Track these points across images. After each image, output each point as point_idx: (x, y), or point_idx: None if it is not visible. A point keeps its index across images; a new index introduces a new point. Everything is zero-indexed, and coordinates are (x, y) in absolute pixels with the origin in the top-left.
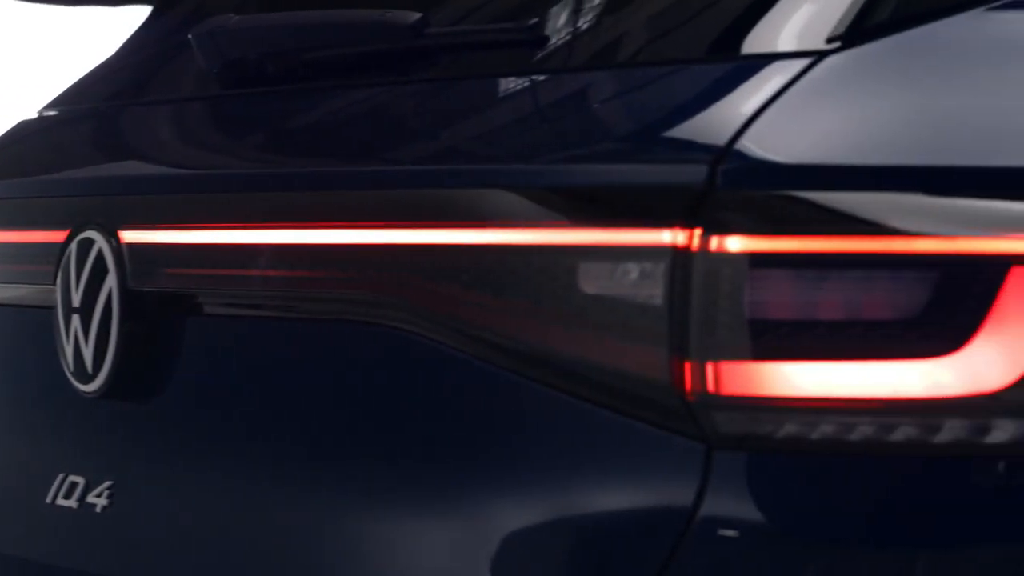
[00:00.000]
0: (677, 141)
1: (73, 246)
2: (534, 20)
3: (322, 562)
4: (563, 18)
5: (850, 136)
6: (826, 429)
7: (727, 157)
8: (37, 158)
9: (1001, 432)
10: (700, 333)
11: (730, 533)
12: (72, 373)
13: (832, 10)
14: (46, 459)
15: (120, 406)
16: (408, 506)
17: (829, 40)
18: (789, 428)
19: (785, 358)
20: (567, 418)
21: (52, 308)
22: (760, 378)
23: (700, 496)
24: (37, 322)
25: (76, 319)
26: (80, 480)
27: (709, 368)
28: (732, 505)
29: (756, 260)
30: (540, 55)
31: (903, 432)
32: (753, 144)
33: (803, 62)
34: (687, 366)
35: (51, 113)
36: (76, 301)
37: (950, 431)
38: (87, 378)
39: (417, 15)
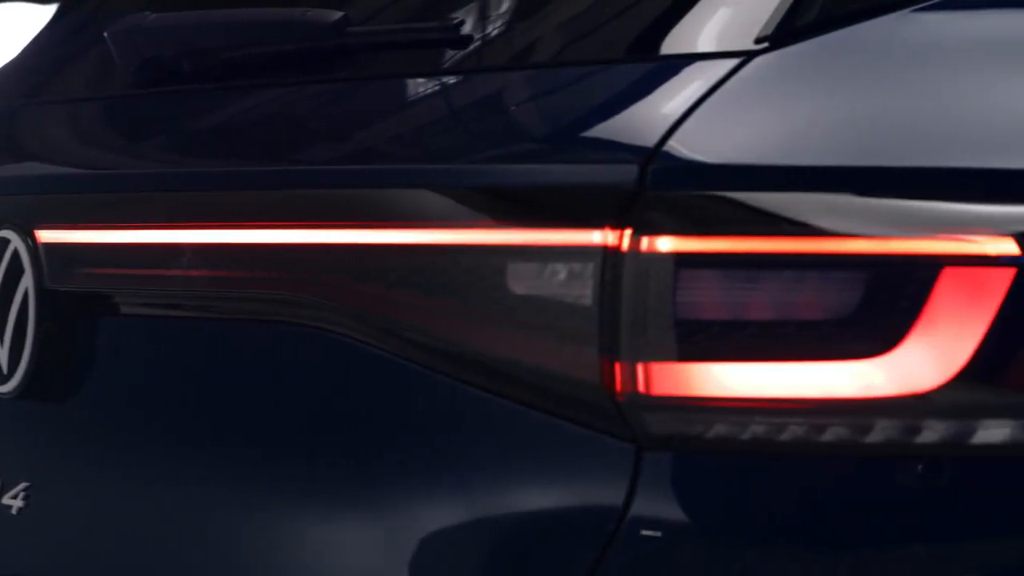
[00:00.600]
0: (607, 141)
1: None
2: (458, 19)
3: (246, 563)
4: (489, 17)
5: (780, 136)
6: (756, 429)
7: (657, 157)
8: None
9: (932, 433)
10: (630, 334)
11: (660, 533)
12: None
13: (760, 10)
14: None
15: (36, 407)
16: (332, 507)
17: (757, 40)
18: (719, 428)
19: (715, 359)
20: (496, 419)
21: None
22: (690, 379)
23: (630, 496)
24: None
25: None
26: None
27: (639, 369)
28: (662, 505)
29: (686, 260)
30: (466, 54)
31: (834, 433)
32: (683, 144)
33: (732, 62)
34: (617, 367)
35: None
36: None
37: (881, 432)
38: (2, 378)
39: (338, 14)
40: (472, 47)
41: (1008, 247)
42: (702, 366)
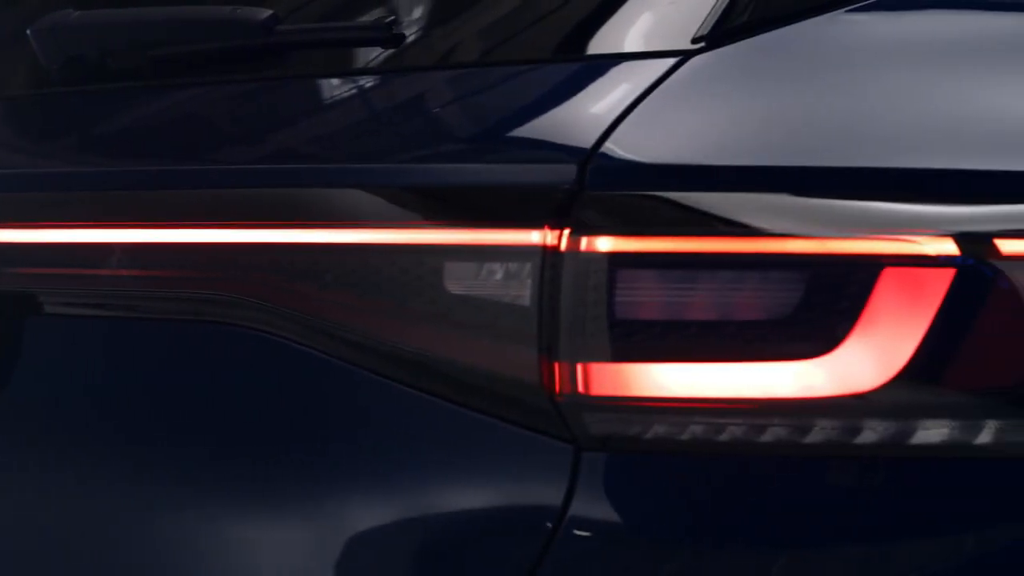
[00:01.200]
0: (546, 141)
1: None
2: (391, 18)
3: (174, 563)
4: (423, 16)
5: (718, 136)
6: (696, 430)
7: (596, 157)
8: None
9: (872, 433)
10: (569, 334)
11: (599, 533)
12: None
13: (697, 10)
14: None
15: None
16: (262, 509)
17: (694, 40)
18: (658, 429)
19: (654, 359)
20: (433, 419)
21: None
22: (629, 379)
23: (569, 497)
24: None
25: None
26: None
27: (578, 369)
28: (601, 506)
29: (625, 260)
30: (403, 54)
31: (773, 433)
32: (622, 144)
33: (669, 62)
34: (556, 367)
35: None
36: None
37: (821, 432)
38: None
39: (268, 12)
40: (408, 46)
41: (947, 247)
42: (641, 366)
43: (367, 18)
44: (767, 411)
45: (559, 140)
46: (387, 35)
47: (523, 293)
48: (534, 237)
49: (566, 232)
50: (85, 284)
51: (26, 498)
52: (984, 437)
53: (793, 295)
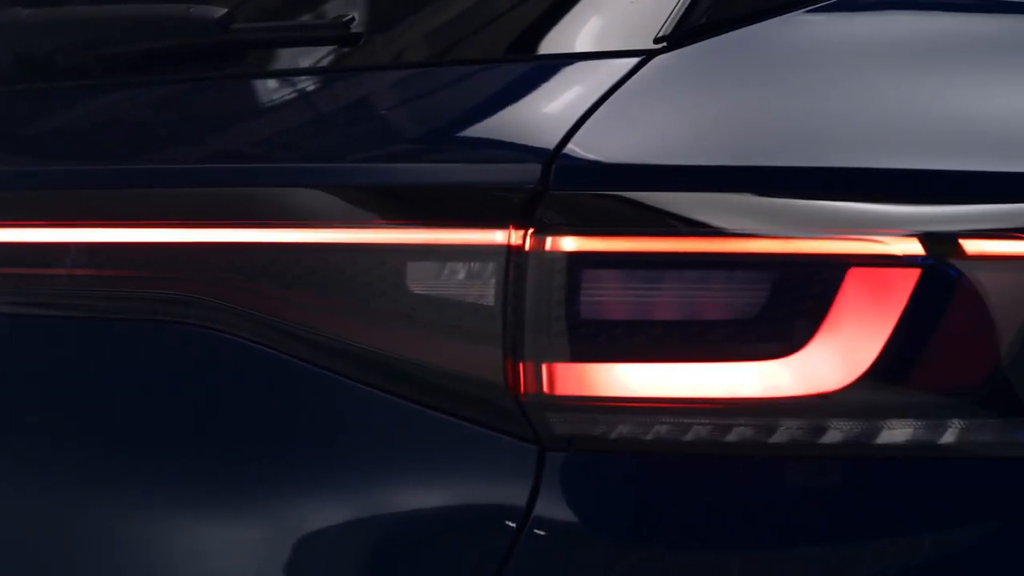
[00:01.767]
0: (510, 140)
1: None
2: (348, 17)
3: (128, 564)
4: (385, 15)
5: (684, 135)
6: (660, 430)
7: (560, 156)
8: None
9: (837, 433)
10: (534, 333)
11: (564, 533)
12: None
13: (659, 9)
14: None
15: None
16: (223, 509)
17: (657, 40)
18: (623, 429)
19: (620, 359)
20: (396, 420)
21: None
22: (594, 379)
23: (533, 497)
24: None
25: None
26: None
27: (543, 369)
28: (566, 506)
29: (590, 260)
30: (362, 52)
31: (738, 433)
32: (586, 143)
33: (632, 61)
34: (520, 367)
35: None
36: None
37: (786, 432)
38: None
39: (222, 10)
40: (371, 45)
41: (913, 247)
42: (606, 366)
43: (325, 17)
44: (732, 411)
45: (523, 139)
46: (345, 34)
47: (487, 293)
48: (498, 237)
49: (530, 232)
50: (41, 284)
51: None
52: (948, 437)
53: (758, 295)
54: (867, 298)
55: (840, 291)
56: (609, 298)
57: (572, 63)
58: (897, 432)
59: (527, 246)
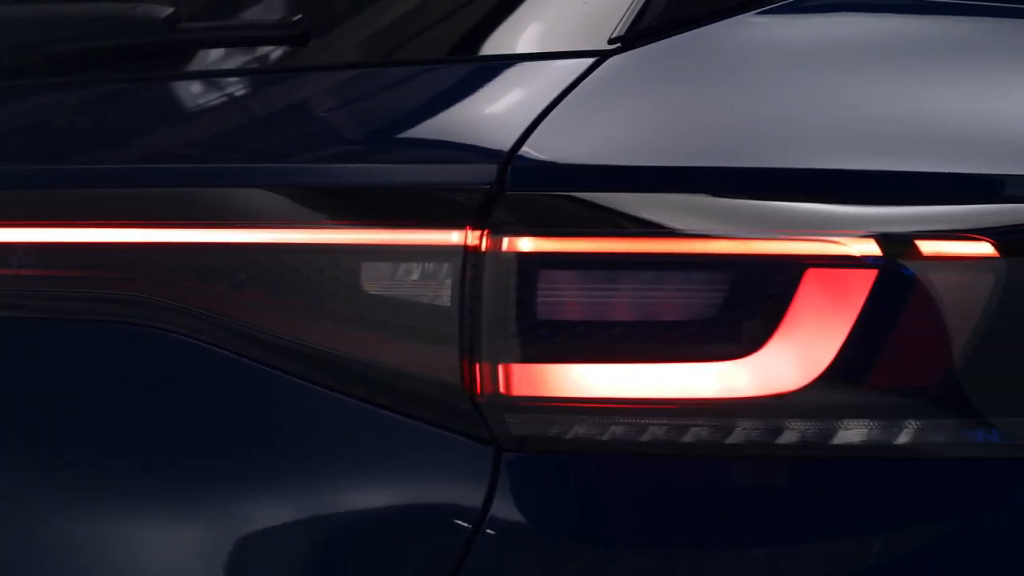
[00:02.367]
0: (466, 141)
1: None
2: (298, 16)
3: (68, 564)
4: (339, 14)
5: (640, 136)
6: (617, 430)
7: (516, 157)
8: None
9: (794, 433)
10: (490, 334)
11: (521, 534)
12: None
13: (612, 10)
14: None
15: None
16: (175, 510)
17: (611, 41)
18: (579, 429)
19: (577, 359)
20: (352, 421)
21: None
22: (551, 379)
23: (489, 498)
24: None
25: None
26: None
27: (499, 369)
28: (522, 506)
29: (547, 261)
30: (314, 51)
31: (695, 434)
32: (542, 144)
33: (586, 62)
34: (477, 367)
35: None
36: None
37: (743, 433)
38: None
39: (169, 10)
40: (324, 44)
41: (870, 248)
42: (562, 367)
43: (274, 16)
44: (689, 412)
45: (478, 140)
46: (295, 33)
47: (444, 293)
48: (454, 237)
49: (487, 232)
50: None
51: None
52: (904, 438)
53: (716, 296)
54: (824, 299)
55: (798, 292)
56: (566, 299)
57: (527, 63)
58: (853, 432)
59: (483, 246)
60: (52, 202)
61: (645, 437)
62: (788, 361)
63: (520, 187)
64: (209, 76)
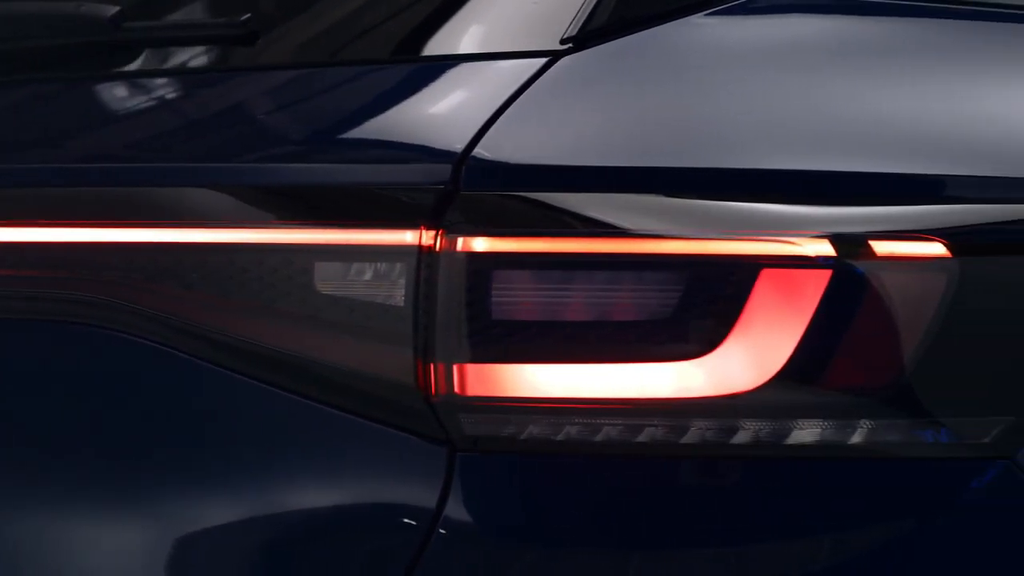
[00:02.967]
0: (419, 140)
1: None
2: (247, 16)
3: (12, 566)
4: (286, 14)
5: (595, 136)
6: (571, 430)
7: (470, 157)
8: None
9: (749, 433)
10: (445, 334)
11: (475, 533)
12: None
13: (564, 10)
14: None
15: None
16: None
17: (563, 41)
18: (534, 429)
19: (531, 359)
20: (305, 422)
21: None
22: (505, 379)
23: (444, 498)
24: None
25: None
26: None
27: (454, 369)
28: (477, 506)
29: (501, 261)
30: (263, 51)
31: (649, 433)
32: (497, 144)
33: (539, 62)
34: (431, 367)
35: None
36: None
37: (697, 432)
38: None
39: (114, 9)
40: (273, 43)
41: (825, 248)
42: (517, 367)
43: (222, 16)
44: (643, 412)
45: (432, 140)
46: (244, 32)
47: (398, 293)
48: (409, 237)
49: (441, 232)
50: None
51: None
52: (857, 437)
53: (671, 296)
54: (779, 299)
55: (752, 292)
56: (520, 299)
57: (480, 63)
58: (807, 432)
59: (438, 246)
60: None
61: (599, 437)
62: (743, 361)
63: (474, 187)
64: (160, 75)
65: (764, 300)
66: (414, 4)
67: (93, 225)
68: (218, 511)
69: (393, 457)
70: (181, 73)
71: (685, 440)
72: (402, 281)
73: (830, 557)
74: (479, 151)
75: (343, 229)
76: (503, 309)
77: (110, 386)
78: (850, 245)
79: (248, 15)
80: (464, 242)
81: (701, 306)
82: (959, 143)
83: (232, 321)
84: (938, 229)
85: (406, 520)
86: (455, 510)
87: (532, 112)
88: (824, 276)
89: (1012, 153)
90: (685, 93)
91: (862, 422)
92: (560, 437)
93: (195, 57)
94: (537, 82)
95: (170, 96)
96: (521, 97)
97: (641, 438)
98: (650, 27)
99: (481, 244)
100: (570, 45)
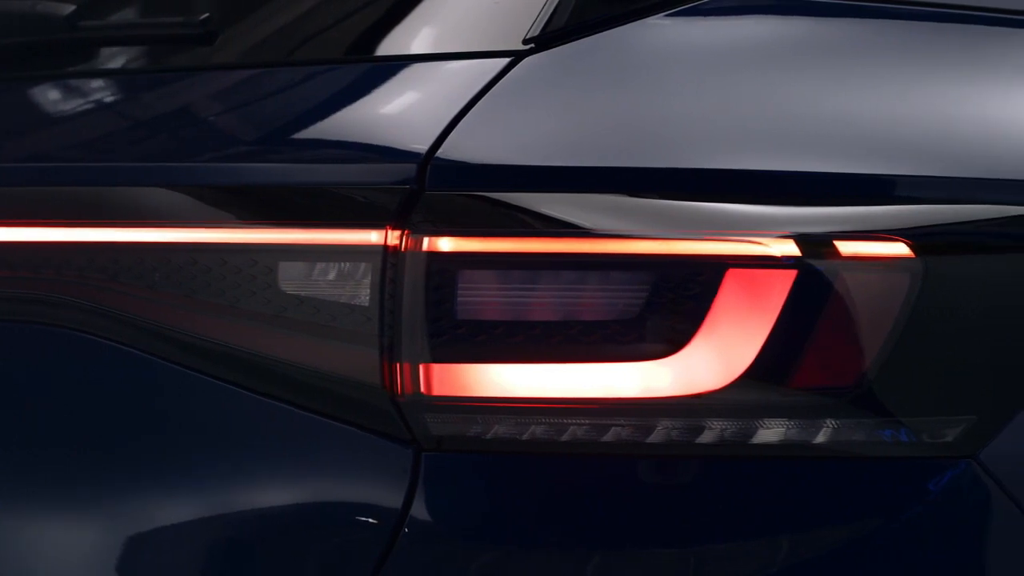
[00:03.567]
0: (385, 140)
1: None
2: (206, 15)
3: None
4: (246, 13)
5: (560, 136)
6: (537, 430)
7: (436, 157)
8: None
9: (715, 433)
10: (411, 334)
11: (441, 533)
12: None
13: (525, 10)
14: None
15: None
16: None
17: (526, 41)
18: (500, 429)
19: (497, 359)
20: (269, 422)
21: None
22: (471, 379)
23: (410, 497)
24: None
25: None
26: None
27: (420, 369)
28: (443, 505)
29: (467, 261)
30: (224, 50)
31: (615, 433)
32: (462, 144)
33: (502, 62)
34: (397, 367)
35: None
36: None
37: (663, 432)
38: None
39: (70, 7)
40: (234, 42)
41: (790, 248)
42: (483, 367)
43: (181, 15)
44: (610, 412)
45: (397, 140)
46: (202, 32)
47: (364, 293)
48: (374, 237)
49: (407, 232)
50: None
51: None
52: (823, 437)
53: (637, 296)
54: (745, 299)
55: (719, 292)
56: (486, 299)
57: (443, 62)
58: (773, 432)
59: (403, 246)
60: None
61: (565, 437)
62: (709, 361)
63: (440, 187)
64: (123, 74)
65: (730, 300)
66: (377, 4)
67: (55, 225)
68: (184, 511)
69: (359, 457)
70: (143, 72)
71: (651, 440)
72: (367, 281)
73: (793, 556)
74: (444, 151)
75: (308, 229)
76: (469, 309)
77: (74, 387)
78: (815, 245)
79: (206, 15)
80: (429, 242)
81: (667, 306)
82: (922, 144)
83: (197, 321)
84: (901, 229)
85: (372, 520)
86: (421, 510)
87: (497, 112)
88: (789, 276)
89: (974, 154)
90: (650, 93)
91: (827, 421)
92: (526, 437)
93: (157, 56)
94: (501, 82)
95: (135, 95)
96: (485, 97)
97: (607, 438)
98: (611, 28)
99: (446, 244)
100: (532, 45)
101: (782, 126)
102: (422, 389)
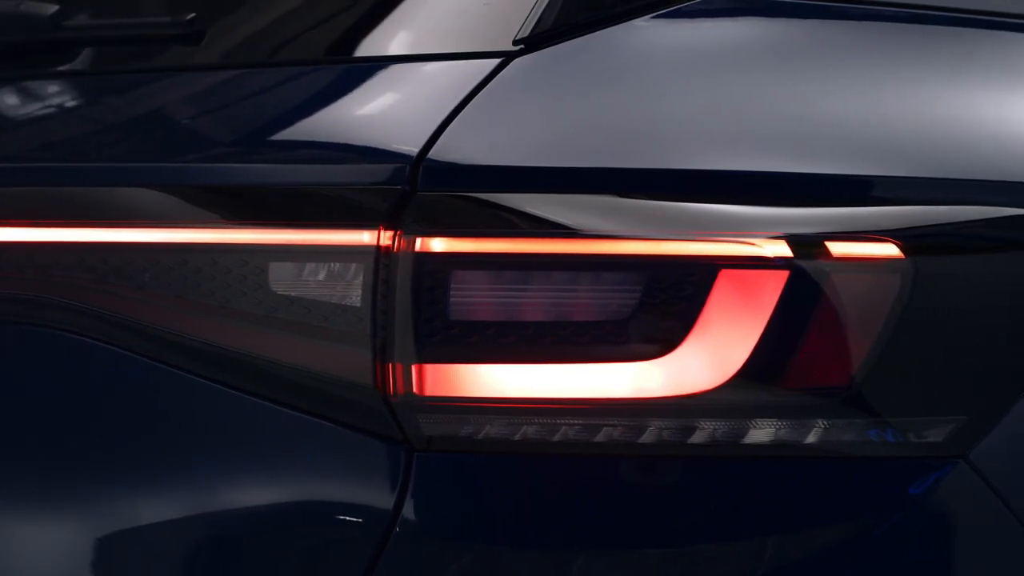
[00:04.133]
0: (377, 141)
1: None
2: (192, 15)
3: None
4: (237, 13)
5: (552, 136)
6: (530, 430)
7: (428, 158)
8: None
9: (707, 433)
10: (403, 335)
11: (433, 533)
12: None
13: (517, 11)
14: None
15: None
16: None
17: (516, 42)
18: (492, 429)
19: (490, 360)
20: (262, 423)
21: None
22: (464, 380)
23: (402, 498)
24: None
25: None
26: None
27: (412, 370)
28: (435, 506)
29: (460, 261)
30: (209, 51)
31: (607, 433)
32: (454, 144)
33: (492, 62)
34: (390, 368)
35: None
36: None
37: (656, 432)
38: None
39: (54, 7)
40: (223, 42)
41: (782, 249)
42: (476, 367)
43: (167, 15)
44: (602, 412)
45: (390, 140)
46: (188, 32)
47: (356, 294)
48: (366, 238)
49: (399, 233)
50: None
51: None
52: (814, 437)
53: (629, 296)
54: (738, 300)
55: (711, 293)
56: (479, 299)
57: (434, 63)
58: (764, 432)
59: (396, 247)
60: None
61: (557, 437)
62: (700, 362)
63: (432, 188)
64: (113, 74)
65: (721, 301)
66: (369, 4)
67: (44, 225)
68: (176, 511)
69: (351, 457)
70: (132, 72)
71: (643, 440)
72: (359, 281)
73: (785, 556)
74: (436, 151)
75: (301, 229)
76: (461, 309)
77: (62, 388)
78: (806, 246)
79: (192, 15)
80: (422, 242)
81: (659, 306)
82: (912, 145)
83: (187, 322)
84: (891, 230)
85: (364, 520)
86: (413, 510)
87: (488, 112)
88: (781, 277)
89: (964, 155)
90: (641, 94)
91: (818, 422)
92: (518, 437)
93: (145, 56)
94: (492, 83)
95: (124, 95)
96: (476, 98)
97: (599, 438)
98: (601, 29)
99: (439, 244)
100: (523, 46)
101: (773, 127)
102: (414, 389)
